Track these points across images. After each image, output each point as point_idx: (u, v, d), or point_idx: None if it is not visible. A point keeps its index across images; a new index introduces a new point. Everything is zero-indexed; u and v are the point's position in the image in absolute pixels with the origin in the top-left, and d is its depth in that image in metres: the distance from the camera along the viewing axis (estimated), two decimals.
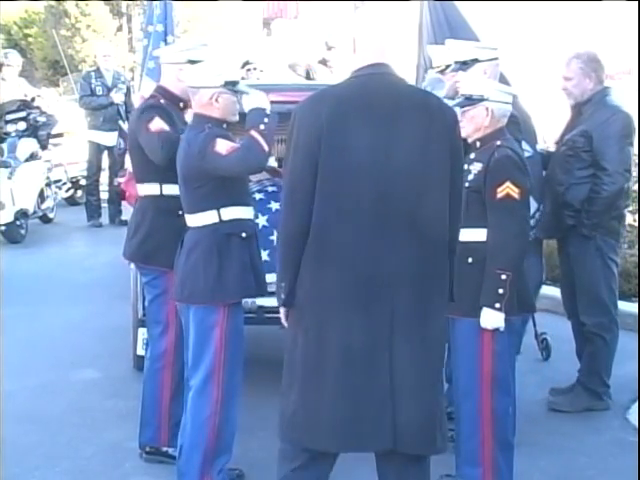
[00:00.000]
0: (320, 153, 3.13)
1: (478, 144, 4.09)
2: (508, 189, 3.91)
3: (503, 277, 3.87)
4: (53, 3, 22.66)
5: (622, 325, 5.60)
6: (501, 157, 3.95)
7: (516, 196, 3.91)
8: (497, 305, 3.87)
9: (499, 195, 3.91)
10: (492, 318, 3.89)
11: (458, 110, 4.26)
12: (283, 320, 3.40)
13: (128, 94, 10.95)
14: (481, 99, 4.04)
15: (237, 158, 3.82)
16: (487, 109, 4.04)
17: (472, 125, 4.08)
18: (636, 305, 6.93)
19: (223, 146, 3.82)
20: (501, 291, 3.87)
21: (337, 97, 3.23)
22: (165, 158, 4.17)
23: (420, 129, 3.20)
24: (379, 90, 3.23)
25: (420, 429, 3.27)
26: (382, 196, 3.15)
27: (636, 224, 7.73)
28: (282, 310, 3.37)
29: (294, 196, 3.20)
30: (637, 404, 5.24)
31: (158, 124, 4.29)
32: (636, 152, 6.03)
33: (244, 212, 4.06)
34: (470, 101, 4.06)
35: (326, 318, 3.18)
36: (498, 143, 4.01)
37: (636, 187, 7.54)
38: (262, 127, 3.84)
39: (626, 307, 6.78)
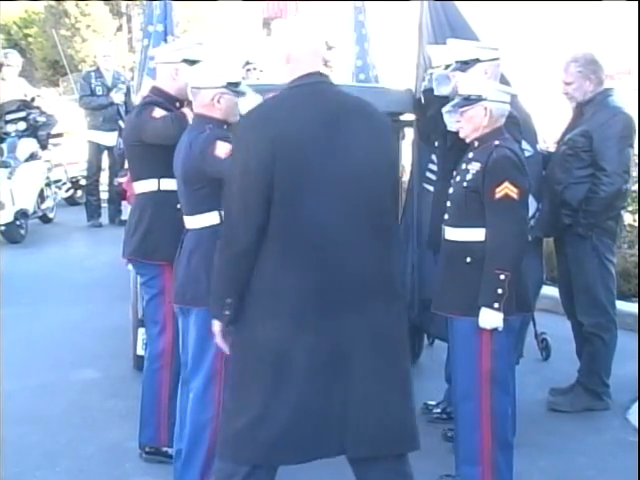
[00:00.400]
0: (275, 169, 3.04)
1: (476, 144, 4.09)
2: (507, 189, 3.91)
3: (502, 277, 3.87)
4: (53, 3, 22.66)
5: (622, 325, 5.61)
6: (499, 157, 3.95)
7: (515, 196, 3.91)
8: (496, 305, 3.87)
9: (498, 195, 3.91)
10: (491, 318, 3.89)
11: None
12: (219, 338, 3.30)
13: (128, 94, 10.94)
14: (479, 99, 4.04)
15: None
16: (485, 109, 4.04)
17: (470, 125, 4.08)
18: (635, 305, 6.93)
19: (222, 149, 3.81)
20: (500, 291, 3.87)
21: (285, 109, 3.15)
22: (179, 133, 4.13)
23: (367, 136, 3.19)
24: (324, 99, 3.20)
25: (380, 431, 3.23)
26: (343, 205, 3.11)
27: (636, 224, 7.74)
28: (218, 325, 3.27)
29: (247, 212, 3.09)
30: (637, 404, 5.24)
31: (160, 112, 4.32)
32: (636, 153, 6.04)
33: None
34: (468, 101, 4.06)
35: (290, 331, 3.10)
36: (496, 143, 4.00)
37: (635, 187, 7.55)
38: None
39: (626, 307, 6.78)
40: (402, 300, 3.38)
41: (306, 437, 3.15)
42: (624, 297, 6.92)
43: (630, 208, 7.57)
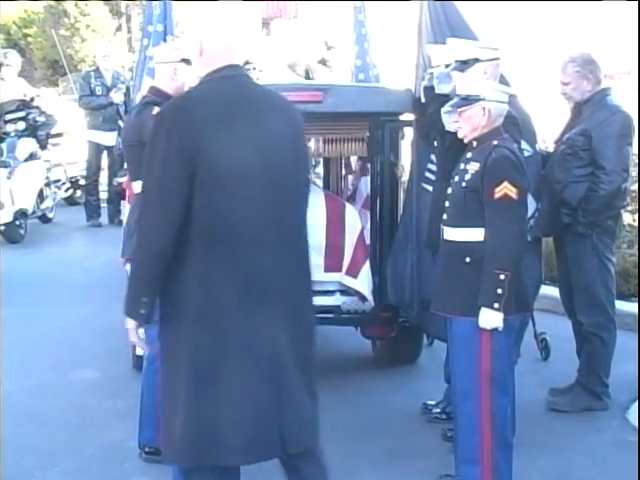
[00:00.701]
0: (198, 164, 2.98)
1: (475, 144, 4.09)
2: (506, 189, 3.91)
3: (502, 277, 3.87)
4: (52, 3, 22.63)
5: (621, 325, 5.61)
6: (498, 157, 3.95)
7: (514, 196, 3.91)
8: (496, 305, 3.87)
9: (497, 195, 3.91)
10: (491, 318, 3.89)
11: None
12: (133, 336, 3.24)
13: (127, 94, 10.93)
14: (477, 99, 4.03)
15: None
16: (484, 109, 4.04)
17: (469, 125, 4.08)
18: (635, 305, 6.93)
19: None
20: (500, 291, 3.87)
21: (207, 102, 3.08)
22: None
23: (285, 132, 3.17)
24: (243, 92, 3.16)
25: (304, 428, 3.23)
26: (266, 200, 3.08)
27: (635, 224, 7.74)
28: (133, 326, 3.20)
29: (168, 209, 3.00)
30: (636, 404, 5.24)
31: None
32: (635, 152, 6.04)
33: None
34: (466, 101, 4.06)
35: (224, 328, 3.06)
36: (495, 143, 4.00)
37: (635, 187, 7.55)
38: None
39: (625, 307, 6.78)
40: (312, 298, 3.34)
41: (247, 437, 3.09)
42: (623, 297, 6.92)
43: (630, 208, 7.57)
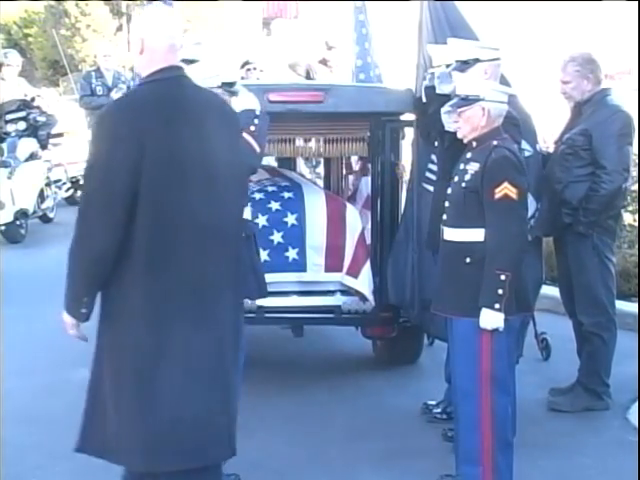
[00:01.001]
0: (142, 166, 2.97)
1: (474, 144, 4.09)
2: (506, 189, 3.91)
3: (502, 277, 3.87)
4: (53, 3, 22.65)
5: (622, 325, 5.61)
6: (498, 157, 3.95)
7: (514, 196, 3.91)
8: (496, 306, 3.87)
9: (497, 195, 3.91)
10: (491, 318, 3.89)
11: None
12: (72, 330, 3.24)
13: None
14: (477, 99, 4.03)
15: None
16: (483, 109, 4.03)
17: (468, 125, 4.08)
18: (635, 305, 6.93)
19: None
20: (500, 291, 3.87)
21: (150, 103, 3.08)
22: None
23: (225, 135, 3.19)
24: (184, 94, 3.16)
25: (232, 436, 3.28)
26: (208, 197, 3.10)
27: (636, 224, 7.73)
28: (72, 322, 3.21)
29: (112, 209, 2.98)
30: (637, 404, 5.24)
31: None
32: (636, 152, 6.03)
33: None
34: (466, 101, 4.06)
35: (166, 329, 3.06)
36: (495, 143, 4.00)
37: (635, 187, 7.55)
38: (252, 128, 3.84)
39: (626, 307, 6.78)
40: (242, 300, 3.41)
41: (190, 440, 3.08)
42: (624, 297, 6.91)
43: (630, 208, 7.57)
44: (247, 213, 4.13)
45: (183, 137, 3.04)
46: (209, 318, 3.10)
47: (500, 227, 3.91)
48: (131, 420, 3.06)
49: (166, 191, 3.01)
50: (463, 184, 4.04)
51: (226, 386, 3.17)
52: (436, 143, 4.94)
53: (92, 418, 3.18)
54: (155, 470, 3.11)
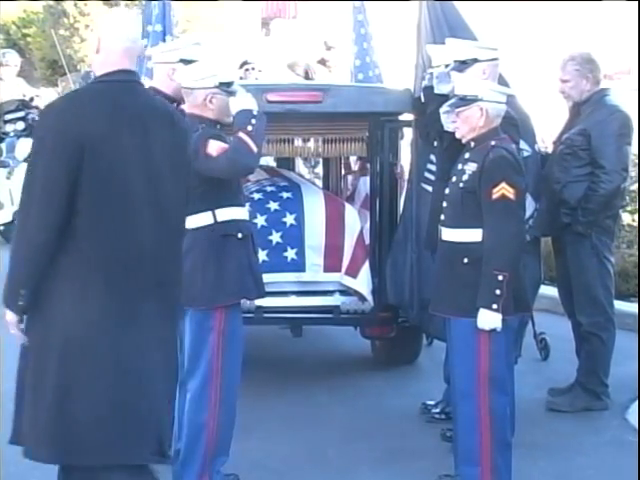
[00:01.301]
0: (83, 162, 3.00)
1: (472, 144, 4.08)
2: (503, 190, 3.90)
3: (500, 278, 3.86)
4: (52, 3, 22.62)
5: (620, 325, 5.61)
6: (496, 157, 3.95)
7: (512, 197, 3.91)
8: (494, 306, 3.87)
9: (495, 196, 3.91)
10: (489, 319, 3.89)
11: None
12: (14, 327, 3.21)
13: None
14: (475, 99, 4.03)
15: (226, 159, 3.81)
16: (481, 109, 4.03)
17: (467, 126, 4.08)
18: (634, 305, 6.93)
19: (214, 147, 3.82)
20: (498, 292, 3.86)
21: (95, 104, 3.11)
22: None
23: (170, 142, 3.19)
24: (132, 98, 3.18)
25: (167, 435, 3.28)
26: (147, 205, 3.12)
27: (634, 224, 7.74)
28: (14, 317, 3.16)
29: (51, 205, 3.02)
30: (636, 404, 5.24)
31: None
32: (635, 152, 6.04)
33: (239, 213, 4.05)
34: (464, 101, 4.06)
35: (95, 324, 3.07)
36: (493, 143, 4.00)
37: (634, 187, 7.55)
38: (250, 128, 3.83)
39: (624, 307, 6.79)
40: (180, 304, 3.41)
41: (118, 436, 3.09)
42: (623, 297, 6.92)
43: (629, 208, 7.57)
44: (245, 213, 4.12)
45: (123, 141, 3.07)
46: (140, 318, 3.12)
47: (497, 227, 3.91)
48: (47, 413, 3.08)
49: (102, 192, 3.05)
50: (461, 184, 4.04)
51: (156, 387, 3.17)
52: (435, 143, 4.94)
53: (18, 410, 3.21)
54: (66, 462, 3.14)
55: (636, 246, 7.44)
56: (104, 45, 3.19)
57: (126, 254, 3.10)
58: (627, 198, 7.17)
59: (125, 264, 3.10)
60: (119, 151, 3.06)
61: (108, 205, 3.06)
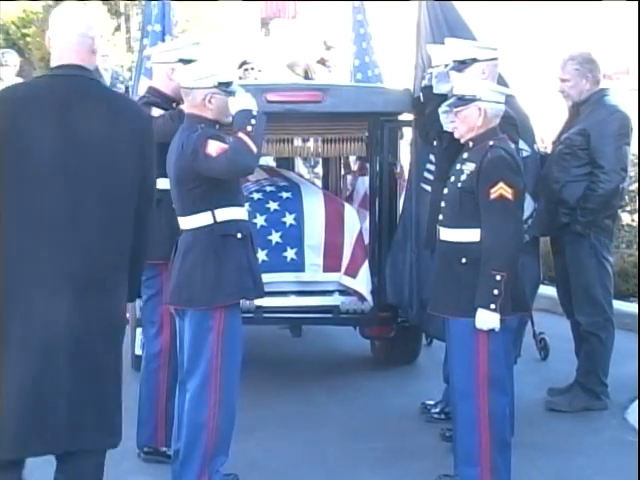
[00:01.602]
0: (4, 156, 3.05)
1: (471, 144, 4.08)
2: (501, 190, 3.90)
3: (498, 278, 3.86)
4: (51, 3, 22.53)
5: (620, 325, 5.61)
6: (494, 157, 3.95)
7: (509, 197, 3.91)
8: (492, 306, 3.87)
9: (492, 196, 3.91)
10: (487, 319, 3.89)
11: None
12: None
13: (127, 94, 10.92)
14: (473, 99, 4.03)
15: (226, 159, 3.81)
16: (480, 109, 4.03)
17: (465, 125, 4.07)
18: (634, 305, 6.94)
19: (213, 147, 3.81)
20: (496, 292, 3.86)
21: (24, 97, 3.16)
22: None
23: (106, 131, 3.17)
24: (68, 92, 3.17)
25: (92, 425, 3.28)
26: (72, 198, 3.11)
27: (634, 224, 7.74)
28: None
29: None
30: (636, 404, 5.24)
31: (158, 112, 4.33)
32: (635, 152, 6.04)
33: (238, 213, 4.04)
34: (462, 101, 4.05)
35: (11, 312, 3.09)
36: (491, 143, 4.00)
37: (633, 187, 7.56)
38: (249, 128, 3.83)
39: (624, 307, 6.79)
40: (123, 293, 3.34)
41: (30, 427, 3.10)
42: (622, 297, 6.93)
43: (628, 208, 7.58)
44: (244, 213, 4.12)
45: (48, 133, 3.08)
46: (57, 309, 3.11)
47: (495, 227, 3.91)
48: None
49: (25, 187, 3.07)
50: (459, 184, 4.04)
51: (89, 371, 3.20)
52: (435, 143, 4.94)
53: None
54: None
55: (635, 246, 7.45)
56: (54, 40, 3.24)
57: (50, 240, 3.10)
58: (626, 198, 7.19)
59: (44, 251, 3.09)
60: (35, 141, 3.07)
61: (24, 194, 3.08)
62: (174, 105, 4.45)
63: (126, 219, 3.26)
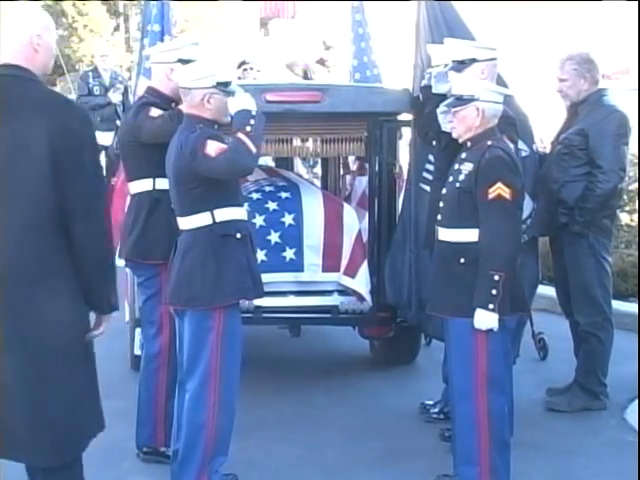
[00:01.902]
0: None
1: (469, 144, 4.08)
2: (499, 190, 3.90)
3: (496, 278, 3.86)
4: (50, 3, 22.59)
5: (619, 325, 5.61)
6: (492, 157, 3.95)
7: (508, 197, 3.91)
8: (491, 306, 3.87)
9: (491, 196, 3.91)
10: (486, 319, 3.89)
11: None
12: None
13: (126, 94, 10.93)
14: (471, 99, 4.03)
15: (225, 160, 3.80)
16: (478, 109, 4.03)
17: (463, 125, 4.07)
18: (633, 305, 6.94)
19: (212, 148, 3.81)
20: (494, 292, 3.86)
21: None
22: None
23: (24, 131, 3.11)
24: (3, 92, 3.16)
25: (31, 438, 3.25)
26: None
27: (633, 224, 7.74)
28: None
29: None
30: (635, 404, 5.24)
31: (157, 112, 4.33)
32: (634, 152, 6.04)
33: (238, 213, 4.04)
34: (461, 101, 4.05)
35: None
36: (489, 143, 4.00)
37: (632, 187, 7.56)
38: (248, 129, 3.82)
39: (623, 307, 6.79)
40: (62, 297, 3.30)
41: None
42: (622, 297, 6.93)
43: (627, 208, 7.58)
44: (244, 213, 4.13)
45: None
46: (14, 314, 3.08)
47: (494, 227, 3.91)
48: None
49: None
50: (457, 184, 4.04)
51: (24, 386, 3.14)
52: (434, 143, 4.94)
53: None
54: None
55: (635, 246, 7.45)
56: (2, 42, 3.27)
57: None
58: (626, 198, 7.20)
59: None
60: None
61: None
62: (173, 105, 4.45)
63: (42, 224, 3.13)
